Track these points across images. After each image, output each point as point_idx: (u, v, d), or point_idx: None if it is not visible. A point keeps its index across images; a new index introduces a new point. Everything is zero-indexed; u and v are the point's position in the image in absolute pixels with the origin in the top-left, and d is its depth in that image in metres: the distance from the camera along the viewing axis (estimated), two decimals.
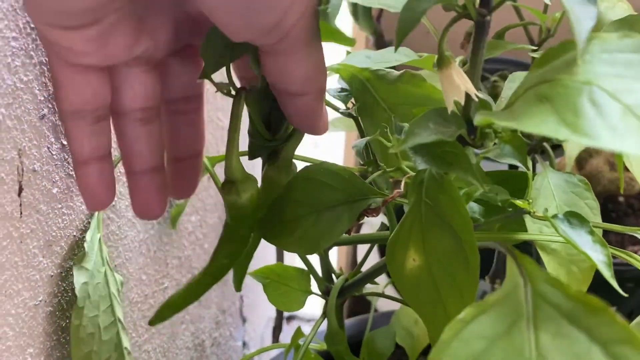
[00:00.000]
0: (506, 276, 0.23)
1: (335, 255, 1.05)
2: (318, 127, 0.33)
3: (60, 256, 0.34)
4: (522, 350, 0.20)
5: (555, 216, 0.31)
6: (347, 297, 0.49)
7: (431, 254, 0.30)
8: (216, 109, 0.58)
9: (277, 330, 0.89)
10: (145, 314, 0.47)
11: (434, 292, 0.30)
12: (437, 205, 0.30)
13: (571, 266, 0.37)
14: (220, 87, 0.32)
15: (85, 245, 0.36)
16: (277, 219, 0.36)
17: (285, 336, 0.94)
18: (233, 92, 0.32)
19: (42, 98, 0.31)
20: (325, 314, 0.48)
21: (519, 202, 0.34)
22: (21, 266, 0.31)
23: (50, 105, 0.32)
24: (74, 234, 0.35)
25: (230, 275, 0.74)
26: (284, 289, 0.48)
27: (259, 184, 0.35)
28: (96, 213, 0.37)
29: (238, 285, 0.44)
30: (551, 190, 0.39)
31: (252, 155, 0.36)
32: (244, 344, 0.84)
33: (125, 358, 0.37)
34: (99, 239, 0.37)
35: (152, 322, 0.38)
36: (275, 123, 0.35)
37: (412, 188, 0.31)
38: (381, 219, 0.51)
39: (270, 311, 1.00)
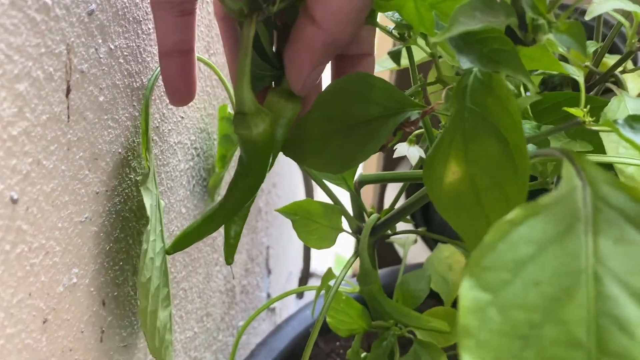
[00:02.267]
0: (562, 179, 0.20)
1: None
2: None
3: (106, 173, 0.32)
4: (578, 256, 0.18)
5: (615, 121, 0.28)
6: (380, 236, 0.46)
7: (474, 163, 0.27)
8: None
9: (302, 281, 0.87)
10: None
11: (476, 206, 0.27)
12: (484, 110, 0.27)
13: None
14: (230, 7, 0.28)
15: (148, 164, 0.34)
16: (305, 137, 0.32)
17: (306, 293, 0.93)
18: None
19: None
20: (357, 254, 0.45)
21: (572, 110, 0.31)
22: (68, 177, 0.28)
23: (98, 1, 0.29)
24: (119, 150, 0.33)
25: (259, 222, 0.72)
26: (314, 226, 0.45)
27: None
28: (145, 132, 0.34)
29: (230, 256, 0.38)
30: (629, 114, 0.36)
31: (255, 85, 0.32)
32: (268, 296, 0.82)
33: (169, 285, 0.36)
34: (152, 159, 0.35)
35: (169, 251, 0.36)
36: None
37: (454, 96, 0.28)
38: (420, 153, 0.49)
39: (292, 266, 0.98)
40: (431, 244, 0.79)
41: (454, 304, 0.51)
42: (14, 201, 0.24)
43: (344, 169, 0.34)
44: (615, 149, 0.37)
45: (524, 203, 0.20)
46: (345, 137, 0.32)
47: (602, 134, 0.37)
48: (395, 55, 0.38)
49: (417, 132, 0.48)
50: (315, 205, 0.46)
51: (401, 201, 0.49)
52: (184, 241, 0.36)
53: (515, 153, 0.26)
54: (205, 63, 0.41)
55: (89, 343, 0.32)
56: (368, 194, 1.01)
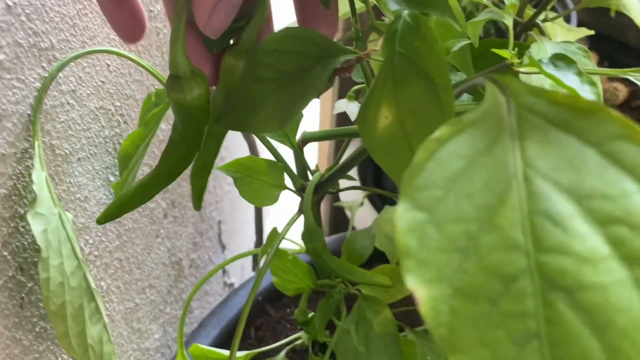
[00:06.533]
0: (485, 97, 0.20)
1: (316, 155, 1.03)
2: None
3: (14, 134, 0.31)
4: (506, 163, 0.18)
5: (540, 60, 0.29)
6: (324, 193, 0.47)
7: (404, 106, 0.27)
8: None
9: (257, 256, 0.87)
10: None
11: (406, 149, 0.27)
12: (412, 53, 0.27)
13: None
14: None
15: (34, 187, 0.32)
16: (239, 103, 0.32)
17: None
18: None
19: None
20: (300, 211, 0.46)
21: (501, 52, 0.32)
22: None
23: None
24: (28, 112, 0.32)
25: (207, 195, 0.71)
26: (257, 184, 0.45)
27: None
28: (36, 146, 0.32)
29: (197, 203, 0.39)
30: (553, 53, 0.37)
31: (210, 46, 0.31)
32: (224, 272, 0.82)
33: (96, 298, 0.34)
34: (45, 179, 0.33)
35: (100, 221, 0.35)
36: None
37: (385, 41, 0.28)
38: (359, 108, 0.49)
39: (250, 242, 0.98)
40: (380, 208, 0.80)
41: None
42: None
43: (284, 124, 0.33)
44: None
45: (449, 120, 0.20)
46: (281, 92, 0.31)
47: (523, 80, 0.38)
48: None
49: (356, 87, 0.48)
50: (258, 162, 0.46)
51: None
52: (115, 211, 0.35)
53: (441, 93, 0.26)
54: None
55: (6, 309, 0.31)
56: (324, 153, 1.01)
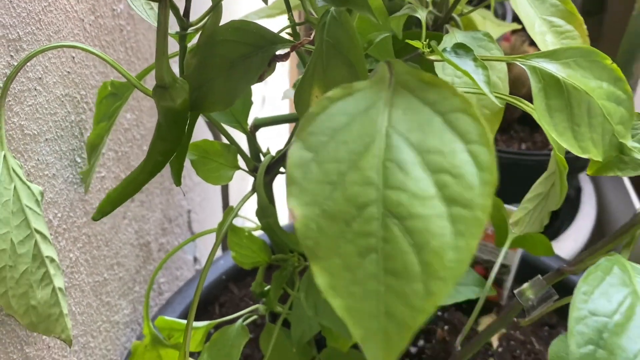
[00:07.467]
0: (376, 74, 0.25)
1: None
2: None
3: None
4: (376, 122, 0.23)
5: (444, 49, 0.34)
6: (275, 174, 0.52)
7: (330, 86, 0.32)
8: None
9: (227, 238, 0.91)
10: (82, 197, 0.49)
11: None
12: (337, 42, 0.32)
13: (483, 110, 0.41)
14: None
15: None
16: (193, 89, 0.37)
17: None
18: None
19: None
20: (254, 190, 0.50)
21: (413, 42, 0.37)
22: None
23: None
24: None
25: (176, 186, 0.76)
26: (212, 165, 0.50)
27: None
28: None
29: (177, 179, 0.45)
30: (455, 42, 0.42)
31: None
32: (195, 259, 0.86)
33: (48, 266, 0.37)
34: (4, 156, 0.36)
35: (95, 217, 0.42)
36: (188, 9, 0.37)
37: (316, 32, 0.34)
38: None
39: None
40: None
41: None
42: None
43: (229, 104, 0.39)
44: (450, 80, 0.43)
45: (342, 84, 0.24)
46: (225, 78, 0.37)
47: (437, 69, 0.43)
48: None
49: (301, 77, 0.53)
50: (213, 145, 0.51)
51: None
52: (108, 206, 0.42)
53: (360, 75, 0.32)
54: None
55: None
56: None
